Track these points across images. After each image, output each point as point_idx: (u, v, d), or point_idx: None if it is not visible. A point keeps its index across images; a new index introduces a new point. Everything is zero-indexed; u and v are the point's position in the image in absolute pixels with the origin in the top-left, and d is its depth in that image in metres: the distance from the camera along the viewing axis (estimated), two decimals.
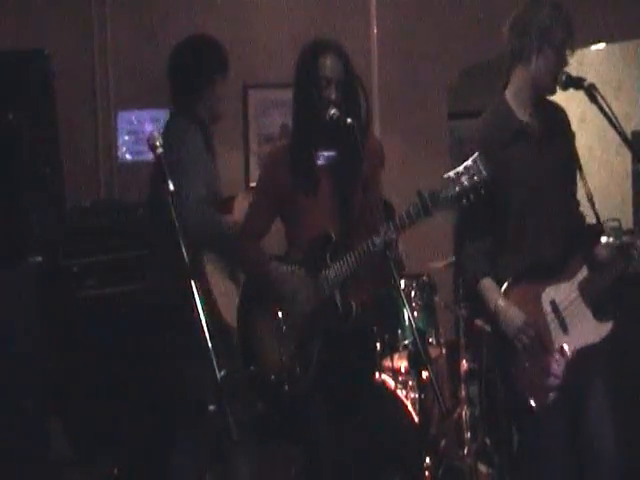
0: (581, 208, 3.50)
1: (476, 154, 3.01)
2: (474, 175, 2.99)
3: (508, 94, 3.40)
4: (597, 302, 3.31)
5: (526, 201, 3.32)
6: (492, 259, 3.35)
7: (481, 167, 2.99)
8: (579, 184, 3.46)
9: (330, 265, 3.35)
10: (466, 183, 3.00)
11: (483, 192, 3.03)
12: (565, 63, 3.32)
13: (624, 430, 3.36)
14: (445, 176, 3.04)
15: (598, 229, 3.43)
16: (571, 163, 3.46)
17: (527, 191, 3.32)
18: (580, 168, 3.44)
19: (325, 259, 3.36)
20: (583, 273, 3.34)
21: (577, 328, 3.29)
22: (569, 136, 3.49)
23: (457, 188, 3.02)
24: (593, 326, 3.30)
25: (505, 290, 3.30)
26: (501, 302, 3.27)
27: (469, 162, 3.00)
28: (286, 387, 3.44)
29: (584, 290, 3.31)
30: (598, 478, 3.33)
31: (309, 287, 3.39)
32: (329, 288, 3.35)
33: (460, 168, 3.01)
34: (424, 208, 3.09)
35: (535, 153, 3.35)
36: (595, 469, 3.32)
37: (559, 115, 3.50)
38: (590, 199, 3.35)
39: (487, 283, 3.32)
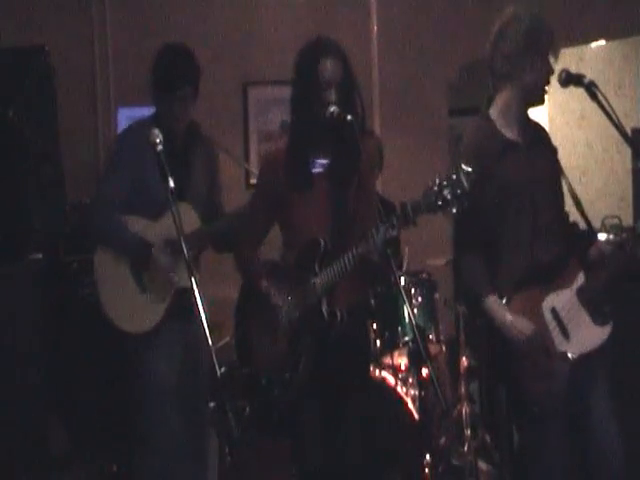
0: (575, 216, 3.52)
1: (460, 167, 3.00)
2: (457, 189, 2.99)
3: (493, 112, 3.41)
4: (595, 306, 3.33)
5: (518, 208, 3.33)
6: (491, 268, 3.36)
7: (464, 181, 2.97)
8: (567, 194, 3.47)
9: (318, 273, 3.35)
10: (448, 197, 2.99)
11: (466, 204, 3.04)
12: (552, 70, 3.33)
13: (625, 430, 3.37)
14: (428, 187, 3.04)
15: (590, 234, 3.44)
16: (556, 173, 3.48)
17: (518, 199, 3.33)
18: (566, 179, 3.45)
19: (314, 267, 3.36)
20: (581, 279, 3.35)
21: (578, 334, 3.30)
22: (552, 150, 3.51)
23: (439, 201, 3.01)
24: (593, 331, 3.32)
25: (507, 300, 3.31)
26: (509, 317, 3.27)
27: (452, 175, 3.00)
28: (276, 391, 3.44)
29: (582, 296, 3.33)
30: (606, 478, 3.33)
31: (297, 296, 3.40)
32: (316, 296, 3.35)
33: (443, 180, 3.01)
34: (406, 219, 3.10)
35: (523, 162, 3.37)
36: (602, 469, 3.32)
37: (540, 132, 3.53)
38: (579, 207, 3.37)
39: (491, 300, 3.31)
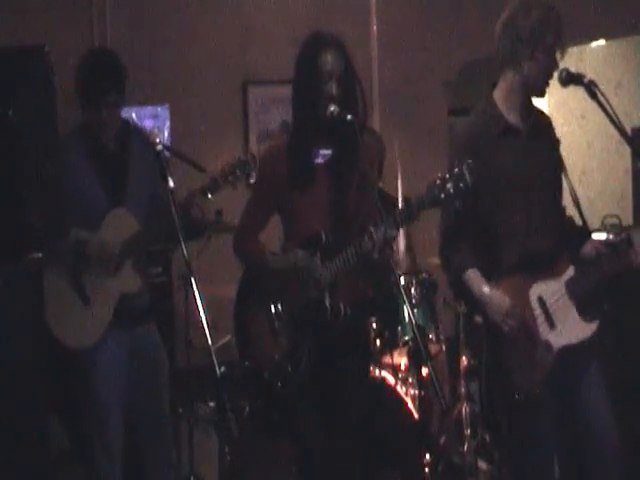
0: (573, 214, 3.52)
1: (463, 160, 3.01)
2: (459, 182, 2.99)
3: (497, 95, 3.41)
4: (583, 302, 3.33)
5: (514, 197, 3.34)
6: (478, 255, 3.36)
7: (467, 174, 2.99)
8: (566, 191, 3.46)
9: (320, 266, 3.35)
10: (451, 190, 3.00)
11: (468, 199, 3.04)
12: (556, 65, 3.33)
13: (624, 425, 3.37)
14: (431, 181, 3.04)
15: (585, 231, 3.45)
16: (556, 166, 3.47)
17: (515, 187, 3.34)
18: (566, 173, 3.45)
19: (315, 260, 3.36)
20: (570, 273, 3.35)
21: (564, 325, 3.30)
22: (554, 141, 3.50)
23: (442, 195, 3.02)
24: (579, 325, 3.32)
25: (493, 282, 3.31)
26: (485, 289, 3.29)
27: (456, 169, 3.01)
28: (279, 385, 3.45)
29: (571, 289, 3.33)
30: (601, 462, 3.33)
31: (302, 282, 3.40)
32: (319, 289, 3.35)
33: (446, 174, 3.02)
34: (410, 214, 3.11)
35: (522, 150, 3.37)
36: (597, 457, 3.32)
37: (545, 121, 3.52)
38: (576, 203, 3.38)
39: (472, 273, 3.33)
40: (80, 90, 3.85)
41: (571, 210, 3.48)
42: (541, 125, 3.48)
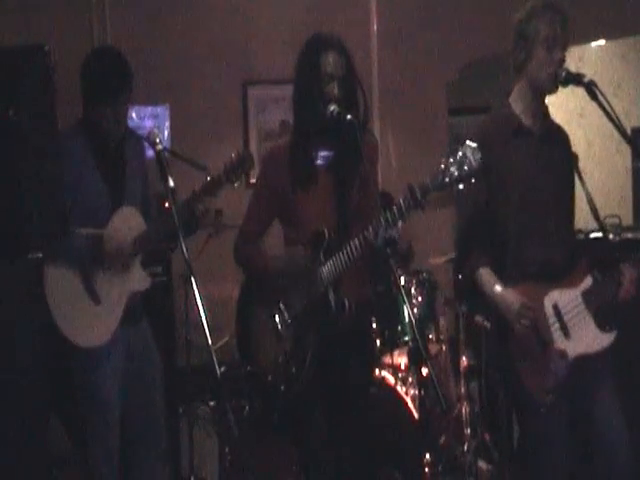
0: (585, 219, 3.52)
1: (467, 144, 2.99)
2: (464, 165, 2.97)
3: (511, 99, 3.45)
4: (601, 312, 3.33)
5: (525, 200, 3.34)
6: (490, 256, 3.35)
7: (471, 157, 2.96)
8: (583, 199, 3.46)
9: (323, 263, 3.35)
10: (456, 173, 2.98)
11: (473, 181, 3.02)
12: (560, 59, 3.33)
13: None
14: (435, 168, 3.03)
15: (605, 243, 3.45)
16: (567, 174, 3.47)
17: (526, 189, 3.33)
18: (584, 186, 3.43)
19: (319, 256, 3.36)
20: (587, 282, 3.35)
21: (579, 335, 3.30)
22: (569, 153, 3.51)
23: (446, 179, 3.00)
24: (596, 335, 3.31)
25: (508, 287, 3.30)
26: (498, 287, 3.29)
27: (459, 152, 2.99)
28: (282, 387, 3.44)
29: (588, 299, 3.33)
30: (612, 471, 3.33)
31: (303, 287, 3.40)
32: (323, 285, 3.35)
33: (450, 158, 3.00)
34: (415, 201, 3.09)
35: (533, 152, 3.38)
36: (609, 465, 3.31)
37: (562, 134, 3.53)
38: (595, 214, 3.37)
39: (484, 272, 3.34)
40: (90, 90, 3.81)
41: (585, 217, 3.47)
42: (556, 134, 3.49)
